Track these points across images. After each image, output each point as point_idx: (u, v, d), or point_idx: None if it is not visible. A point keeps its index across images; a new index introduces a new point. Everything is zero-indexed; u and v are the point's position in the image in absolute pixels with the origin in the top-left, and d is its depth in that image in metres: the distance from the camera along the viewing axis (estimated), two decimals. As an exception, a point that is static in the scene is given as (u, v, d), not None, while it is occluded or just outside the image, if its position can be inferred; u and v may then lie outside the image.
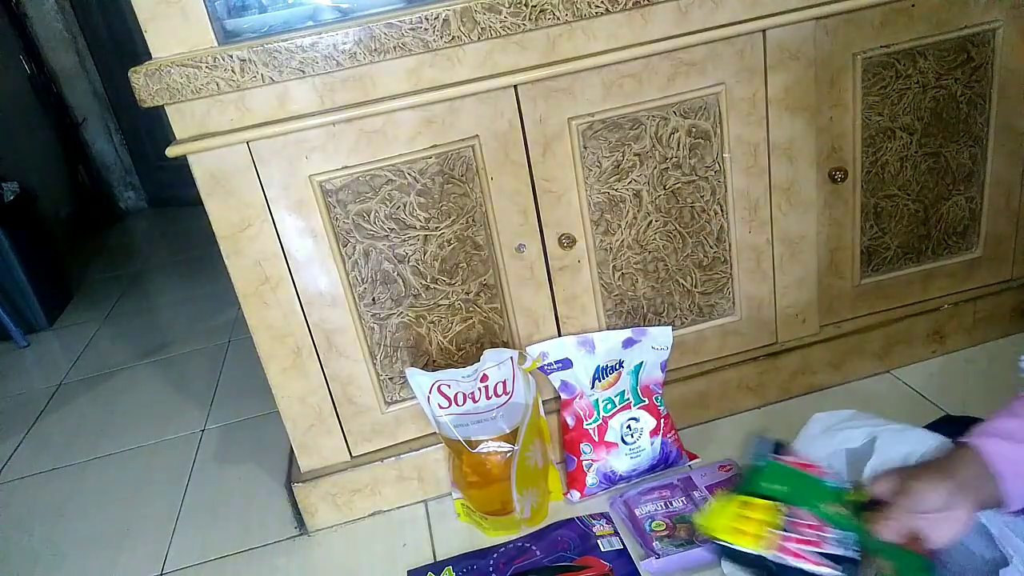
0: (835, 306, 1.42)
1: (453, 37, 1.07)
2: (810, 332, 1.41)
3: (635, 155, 1.23)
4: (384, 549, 1.28)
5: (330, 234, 1.17)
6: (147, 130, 3.48)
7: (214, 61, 1.03)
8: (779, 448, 0.90)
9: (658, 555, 1.12)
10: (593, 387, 1.29)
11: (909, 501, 0.78)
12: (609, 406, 1.29)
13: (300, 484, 1.31)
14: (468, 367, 1.22)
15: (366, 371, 1.26)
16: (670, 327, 1.30)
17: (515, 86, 1.13)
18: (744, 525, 0.81)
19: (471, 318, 1.28)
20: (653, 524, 1.18)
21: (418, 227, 1.20)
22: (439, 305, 1.26)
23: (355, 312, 1.22)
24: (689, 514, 1.19)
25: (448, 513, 1.32)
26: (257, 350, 1.21)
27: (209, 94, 1.05)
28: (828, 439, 0.99)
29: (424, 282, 1.23)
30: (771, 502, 0.81)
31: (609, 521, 1.22)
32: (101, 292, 2.78)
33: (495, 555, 1.20)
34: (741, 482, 0.87)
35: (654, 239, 1.29)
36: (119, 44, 3.31)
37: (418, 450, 1.32)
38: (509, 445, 1.20)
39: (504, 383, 1.23)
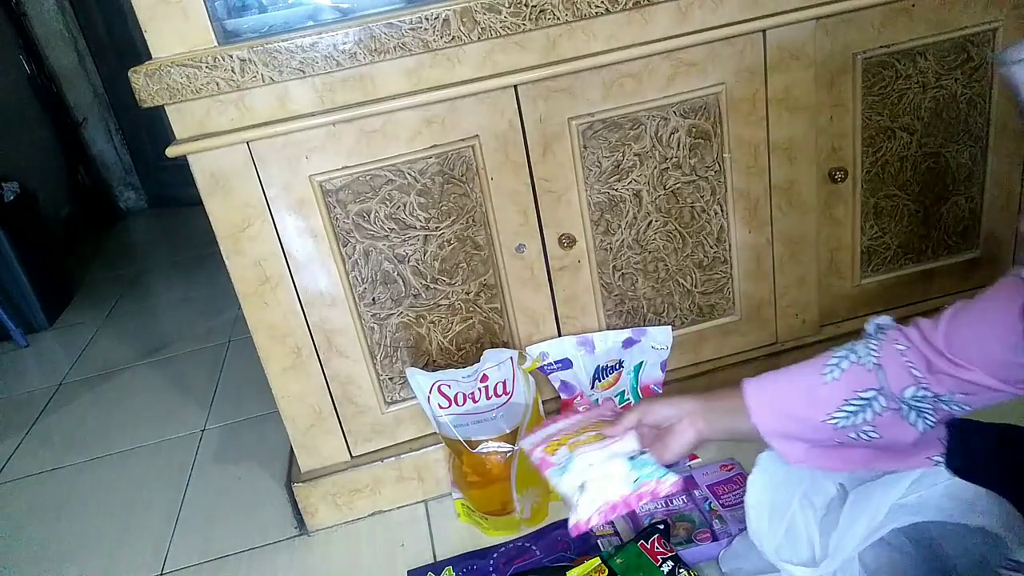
0: (835, 306, 1.42)
1: (453, 37, 1.07)
2: (810, 332, 1.41)
3: (635, 155, 1.23)
4: (384, 549, 1.28)
5: (330, 234, 1.17)
6: (147, 130, 3.48)
7: (214, 61, 1.03)
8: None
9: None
10: (593, 387, 1.29)
11: (645, 407, 0.90)
12: (609, 406, 1.29)
13: (300, 484, 1.31)
14: (468, 367, 1.22)
15: (366, 371, 1.26)
16: (670, 327, 1.30)
17: (515, 86, 1.13)
18: None
19: (471, 318, 1.28)
20: (653, 522, 1.17)
21: (418, 227, 1.20)
22: (439, 305, 1.26)
23: (355, 312, 1.22)
24: (689, 512, 1.19)
25: (448, 513, 1.32)
26: (257, 350, 1.21)
27: (209, 94, 1.05)
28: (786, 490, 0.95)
29: (424, 282, 1.23)
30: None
31: (609, 521, 1.22)
32: (101, 292, 2.78)
33: (495, 555, 1.20)
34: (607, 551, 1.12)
35: (654, 239, 1.29)
36: (119, 44, 3.31)
37: (418, 450, 1.32)
38: (509, 445, 1.20)
39: (504, 383, 1.23)
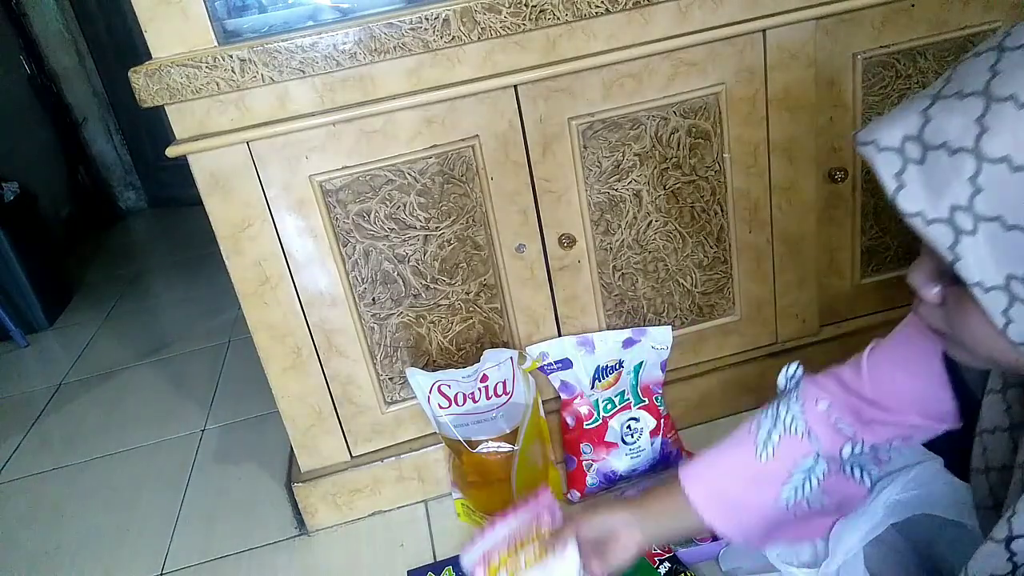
0: (835, 306, 1.42)
1: (453, 37, 1.07)
2: (810, 332, 1.41)
3: (635, 155, 1.23)
4: (384, 549, 1.28)
5: (330, 234, 1.17)
6: (147, 130, 3.48)
7: (214, 61, 1.03)
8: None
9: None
10: (593, 387, 1.29)
11: (579, 522, 0.85)
12: (609, 406, 1.29)
13: (300, 484, 1.31)
14: (468, 367, 1.22)
15: (366, 371, 1.26)
16: (670, 327, 1.30)
17: (515, 86, 1.13)
18: None
19: (471, 318, 1.28)
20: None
21: (418, 227, 1.20)
22: (439, 305, 1.26)
23: (355, 312, 1.22)
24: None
25: (448, 513, 1.32)
26: (257, 350, 1.21)
27: (209, 94, 1.05)
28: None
29: (424, 282, 1.23)
30: None
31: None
32: (101, 292, 2.78)
33: (495, 555, 1.20)
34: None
35: (654, 239, 1.29)
36: (119, 44, 3.31)
37: (418, 450, 1.32)
38: (509, 445, 1.20)
39: (504, 383, 1.23)
